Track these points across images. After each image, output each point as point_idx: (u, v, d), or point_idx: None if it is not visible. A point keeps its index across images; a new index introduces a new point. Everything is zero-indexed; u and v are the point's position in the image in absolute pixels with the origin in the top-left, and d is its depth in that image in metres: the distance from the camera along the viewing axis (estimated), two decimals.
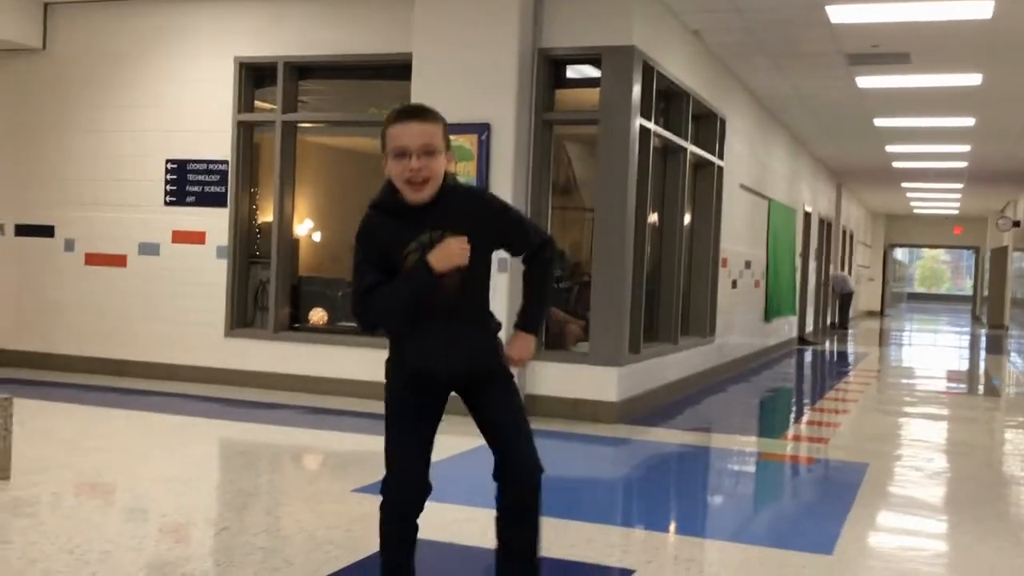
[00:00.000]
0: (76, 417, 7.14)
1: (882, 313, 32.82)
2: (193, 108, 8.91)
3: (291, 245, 9.07)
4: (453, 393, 3.03)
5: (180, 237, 8.93)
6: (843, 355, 16.83)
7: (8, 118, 9.53)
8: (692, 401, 9.31)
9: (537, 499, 3.01)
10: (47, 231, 9.37)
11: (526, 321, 3.09)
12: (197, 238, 8.88)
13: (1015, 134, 14.45)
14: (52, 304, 9.34)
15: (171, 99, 8.98)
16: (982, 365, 16.89)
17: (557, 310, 8.59)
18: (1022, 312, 21.17)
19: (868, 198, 27.31)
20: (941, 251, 56.82)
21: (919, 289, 58.03)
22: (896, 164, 18.48)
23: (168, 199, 8.96)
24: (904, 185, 22.94)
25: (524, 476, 2.98)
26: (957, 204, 27.80)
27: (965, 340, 23.36)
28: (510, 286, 6.74)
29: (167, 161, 8.96)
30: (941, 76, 10.72)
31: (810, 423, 8.71)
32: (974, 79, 10.72)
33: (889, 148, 16.37)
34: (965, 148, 16.04)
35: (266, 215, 9.05)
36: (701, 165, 10.24)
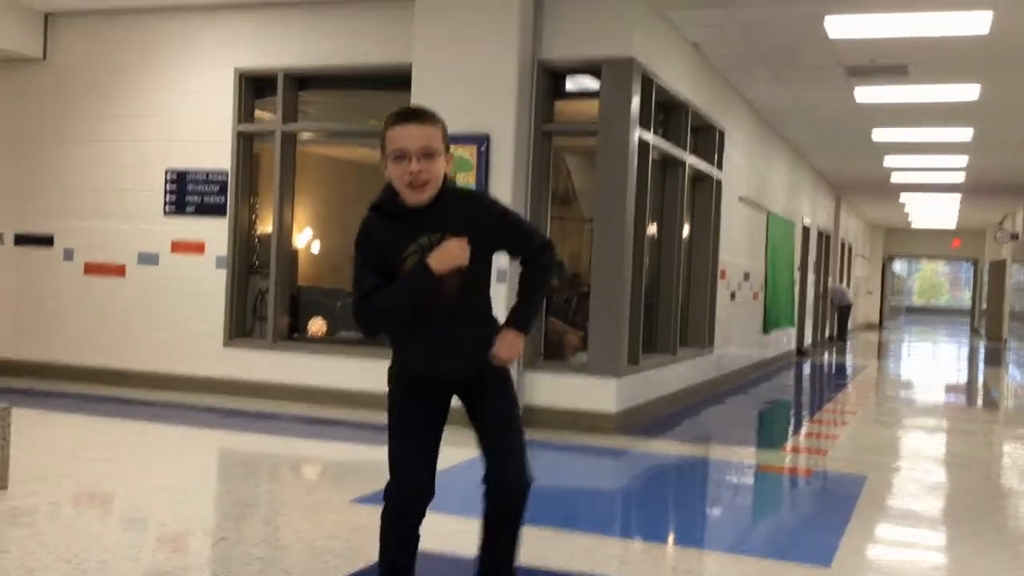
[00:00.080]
0: (75, 427, 7.14)
1: (881, 326, 32.83)
2: (193, 118, 8.92)
3: (290, 255, 9.08)
4: (456, 402, 3.04)
5: (179, 247, 8.94)
6: (842, 367, 16.83)
7: (8, 128, 9.55)
8: (691, 412, 9.30)
9: (522, 509, 3.01)
10: (46, 240, 9.38)
11: (516, 319, 3.04)
12: (196, 248, 8.89)
13: (1013, 146, 14.48)
14: (51, 313, 9.34)
15: (171, 109, 9.00)
16: (981, 378, 16.90)
17: (556, 320, 8.60)
18: (1020, 325, 21.19)
19: (867, 211, 27.35)
20: (940, 263, 56.84)
21: (918, 302, 58.03)
22: (895, 177, 18.52)
23: (168, 209, 8.97)
24: (903, 198, 22.99)
25: (511, 487, 2.98)
26: (955, 216, 27.84)
27: (964, 352, 23.37)
28: (508, 297, 6.72)
29: (167, 171, 8.97)
30: (939, 88, 10.74)
31: (809, 435, 8.70)
32: (972, 91, 10.74)
33: (888, 161, 16.41)
34: (963, 160, 16.07)
35: (265, 225, 9.05)
36: (700, 177, 10.26)
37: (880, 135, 13.79)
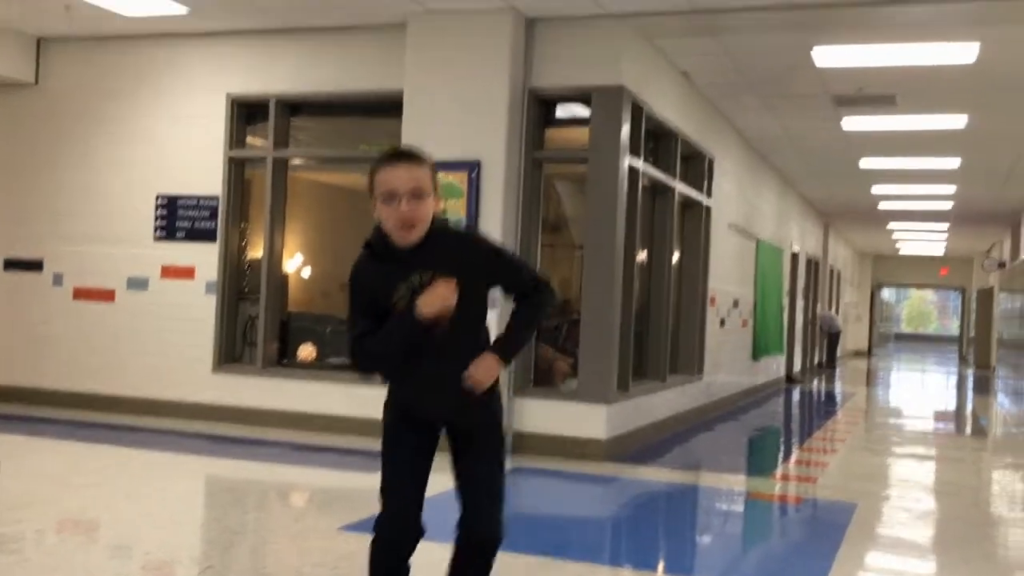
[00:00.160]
0: (62, 453, 7.09)
1: (870, 353, 32.89)
2: (185, 144, 8.93)
3: (280, 281, 9.07)
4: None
5: (169, 272, 8.93)
6: (831, 394, 16.84)
7: None
8: (680, 439, 9.30)
9: (491, 559, 3.02)
10: (36, 265, 9.35)
11: (499, 347, 3.00)
12: (186, 273, 8.87)
13: (1000, 175, 14.59)
14: (40, 339, 9.30)
15: (163, 135, 9.01)
16: (969, 405, 16.92)
17: (546, 347, 8.60)
18: (1008, 353, 21.24)
19: (855, 238, 27.48)
20: (928, 291, 57.08)
21: (906, 329, 58.19)
22: (883, 205, 18.62)
23: (158, 234, 8.96)
24: (891, 226, 23.11)
25: (484, 538, 2.98)
26: (943, 245, 27.99)
27: (952, 380, 23.42)
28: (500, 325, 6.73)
29: (158, 196, 8.97)
30: (927, 118, 10.82)
31: (798, 462, 8.70)
32: (959, 121, 10.83)
33: (876, 189, 16.51)
34: (951, 189, 16.18)
35: (256, 251, 9.05)
36: (689, 204, 10.31)
37: (868, 163, 13.88)
